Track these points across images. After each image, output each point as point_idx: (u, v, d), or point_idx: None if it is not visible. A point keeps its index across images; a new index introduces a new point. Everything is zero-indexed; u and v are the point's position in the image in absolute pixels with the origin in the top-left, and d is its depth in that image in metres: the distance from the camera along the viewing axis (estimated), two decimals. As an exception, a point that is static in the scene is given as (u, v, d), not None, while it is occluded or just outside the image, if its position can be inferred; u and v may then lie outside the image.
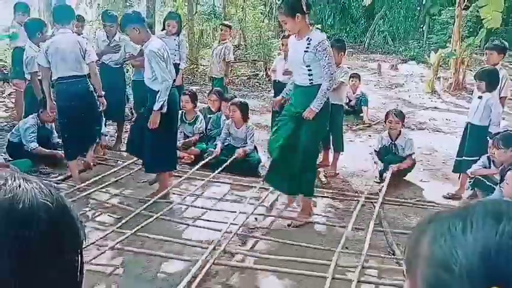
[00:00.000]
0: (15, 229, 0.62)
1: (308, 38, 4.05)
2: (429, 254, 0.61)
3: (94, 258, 3.57)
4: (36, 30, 5.66)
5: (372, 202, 4.98)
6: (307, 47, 4.04)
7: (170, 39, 6.67)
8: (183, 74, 6.89)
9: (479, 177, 4.91)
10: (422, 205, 4.97)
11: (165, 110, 4.52)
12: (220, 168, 5.45)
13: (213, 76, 7.94)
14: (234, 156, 5.67)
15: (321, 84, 4.11)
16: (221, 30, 7.91)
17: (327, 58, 4.02)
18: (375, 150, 5.81)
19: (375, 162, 5.75)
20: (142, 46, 4.74)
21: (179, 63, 6.83)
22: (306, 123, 4.15)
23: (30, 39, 5.67)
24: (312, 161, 4.42)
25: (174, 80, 4.80)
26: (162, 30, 6.93)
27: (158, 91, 4.49)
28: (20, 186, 0.65)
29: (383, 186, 5.11)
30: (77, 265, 0.70)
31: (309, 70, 4.09)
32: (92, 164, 5.50)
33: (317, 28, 13.47)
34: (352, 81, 8.59)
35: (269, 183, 4.75)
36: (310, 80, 4.12)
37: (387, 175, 5.33)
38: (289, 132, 4.24)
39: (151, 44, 4.51)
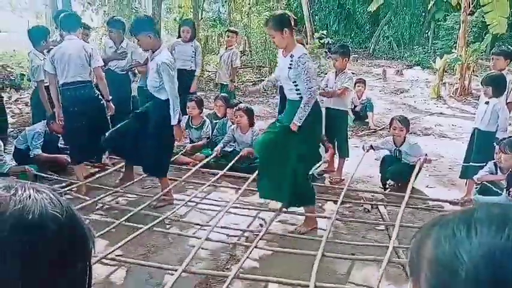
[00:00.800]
0: (24, 240, 0.62)
1: (291, 54, 4.15)
2: (433, 257, 0.61)
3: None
4: (40, 38, 5.72)
5: (378, 207, 4.97)
6: (291, 64, 4.14)
7: (187, 46, 6.74)
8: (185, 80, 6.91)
9: (486, 183, 4.88)
10: (428, 209, 4.95)
11: (178, 119, 4.64)
12: (225, 168, 5.52)
13: (221, 82, 7.95)
14: (239, 155, 5.75)
15: None
16: (227, 37, 7.92)
17: (306, 72, 4.08)
18: (371, 146, 5.90)
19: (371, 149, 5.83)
20: (148, 53, 4.77)
21: (195, 70, 6.91)
22: (295, 135, 4.21)
23: (35, 47, 5.72)
24: (305, 170, 4.42)
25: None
26: (178, 37, 7.01)
27: (165, 100, 4.56)
28: (30, 196, 0.65)
29: (407, 188, 4.99)
30: (86, 277, 0.70)
31: (296, 85, 4.18)
32: (108, 163, 5.55)
33: (323, 34, 13.55)
34: (358, 86, 8.60)
35: (264, 197, 4.71)
36: (298, 94, 4.20)
37: (417, 165, 5.30)
38: (278, 139, 4.30)
39: (162, 55, 4.56)
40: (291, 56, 4.13)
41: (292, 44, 4.19)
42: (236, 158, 5.71)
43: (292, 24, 4.12)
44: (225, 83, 7.82)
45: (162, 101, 4.60)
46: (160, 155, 4.82)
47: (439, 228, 0.63)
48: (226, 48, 7.89)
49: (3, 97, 6.64)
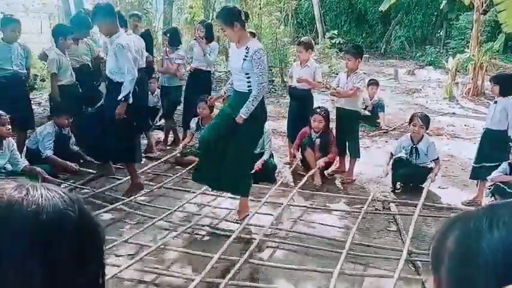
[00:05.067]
0: (40, 240, 0.62)
1: (247, 47, 4.21)
2: (456, 249, 0.64)
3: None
4: (59, 35, 5.80)
5: (389, 208, 4.94)
6: (246, 56, 4.20)
7: (203, 46, 6.76)
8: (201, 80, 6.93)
9: (499, 183, 4.83)
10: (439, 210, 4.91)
11: (126, 97, 4.74)
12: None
13: None
14: (253, 170, 5.58)
15: None
16: None
17: (260, 67, 4.17)
18: (391, 154, 5.73)
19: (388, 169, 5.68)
20: (109, 38, 4.87)
21: (210, 70, 7.00)
22: (239, 127, 4.28)
23: (55, 42, 5.85)
24: (246, 162, 4.57)
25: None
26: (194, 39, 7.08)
27: (121, 83, 4.72)
28: (42, 196, 0.65)
29: (421, 197, 4.94)
30: (102, 273, 0.70)
31: (248, 77, 4.24)
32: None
33: (334, 34, 13.51)
34: (372, 89, 8.57)
35: (198, 182, 4.87)
36: (248, 86, 4.27)
37: (426, 186, 5.20)
38: (223, 131, 4.38)
39: (119, 39, 4.72)
40: (246, 48, 4.20)
41: (245, 36, 4.29)
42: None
43: (243, 17, 4.22)
44: None
45: (119, 84, 4.75)
46: (121, 140, 4.90)
47: (461, 223, 0.65)
48: None
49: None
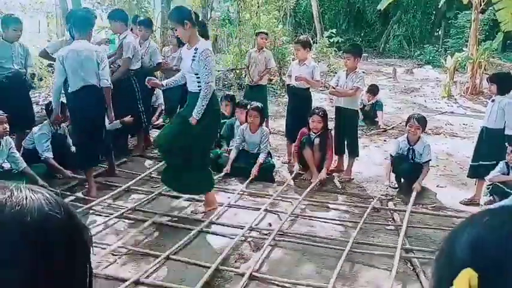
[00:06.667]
0: (24, 241, 0.61)
1: (196, 47, 4.29)
2: (469, 252, 0.62)
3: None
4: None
5: (388, 208, 4.94)
6: (194, 56, 4.27)
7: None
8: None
9: (498, 183, 4.83)
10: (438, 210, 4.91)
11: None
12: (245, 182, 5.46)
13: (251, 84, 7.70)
14: (251, 177, 5.54)
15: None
16: (261, 39, 7.72)
17: (207, 67, 4.25)
18: (391, 155, 5.72)
19: (387, 174, 5.66)
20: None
21: None
22: (193, 127, 4.35)
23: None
24: (203, 161, 4.59)
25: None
26: None
27: (70, 92, 4.94)
28: (26, 197, 0.64)
29: (408, 203, 4.92)
30: (87, 274, 0.69)
31: (197, 77, 4.32)
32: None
33: (332, 33, 13.49)
34: (368, 97, 8.55)
35: (163, 183, 4.91)
36: (198, 86, 4.34)
37: (412, 196, 5.10)
38: (179, 132, 4.43)
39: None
40: (195, 49, 4.27)
41: (195, 37, 4.33)
42: (250, 179, 5.54)
43: (193, 17, 4.26)
44: (261, 84, 7.63)
45: (68, 93, 4.91)
46: (77, 148, 5.24)
47: (472, 227, 0.64)
48: (259, 50, 7.64)
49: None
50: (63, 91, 5.01)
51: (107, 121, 5.27)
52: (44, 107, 7.56)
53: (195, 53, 4.26)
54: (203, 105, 4.29)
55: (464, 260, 0.60)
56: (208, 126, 4.43)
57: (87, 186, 5.12)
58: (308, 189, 5.17)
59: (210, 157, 5.03)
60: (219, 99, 5.53)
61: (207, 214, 4.60)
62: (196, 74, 4.30)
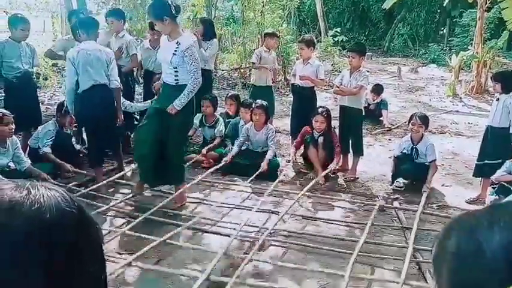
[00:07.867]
0: (44, 239, 0.61)
1: (178, 41, 4.23)
2: (457, 251, 0.64)
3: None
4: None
5: (393, 207, 4.93)
6: (176, 50, 4.23)
7: (203, 44, 6.73)
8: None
9: (504, 183, 4.81)
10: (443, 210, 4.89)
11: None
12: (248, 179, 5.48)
13: (260, 84, 7.64)
14: (259, 171, 5.50)
15: (186, 84, 4.31)
16: (275, 42, 7.65)
17: (194, 63, 4.26)
18: (394, 156, 5.70)
19: (392, 175, 5.63)
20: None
21: (209, 69, 6.90)
22: (170, 119, 4.34)
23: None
24: (178, 153, 4.67)
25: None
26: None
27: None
28: (43, 195, 0.64)
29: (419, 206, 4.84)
30: (102, 271, 0.69)
31: (176, 71, 4.31)
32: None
33: (337, 32, 13.46)
34: (373, 96, 8.51)
35: (146, 182, 4.86)
36: (176, 80, 4.34)
37: (422, 197, 5.05)
38: (156, 127, 4.43)
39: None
40: (177, 43, 4.23)
41: (176, 30, 4.30)
42: (257, 174, 5.46)
43: (173, 11, 4.20)
44: (267, 85, 7.55)
45: (78, 94, 4.92)
46: (88, 147, 5.46)
47: (463, 223, 0.67)
48: (269, 50, 7.58)
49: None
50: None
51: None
52: (49, 106, 7.60)
53: (177, 47, 4.22)
54: (187, 98, 4.30)
55: (498, 261, 0.59)
56: (184, 118, 4.46)
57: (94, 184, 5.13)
58: (308, 186, 5.13)
59: (184, 151, 5.15)
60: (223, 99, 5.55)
61: (178, 209, 4.61)
62: (175, 68, 4.29)
